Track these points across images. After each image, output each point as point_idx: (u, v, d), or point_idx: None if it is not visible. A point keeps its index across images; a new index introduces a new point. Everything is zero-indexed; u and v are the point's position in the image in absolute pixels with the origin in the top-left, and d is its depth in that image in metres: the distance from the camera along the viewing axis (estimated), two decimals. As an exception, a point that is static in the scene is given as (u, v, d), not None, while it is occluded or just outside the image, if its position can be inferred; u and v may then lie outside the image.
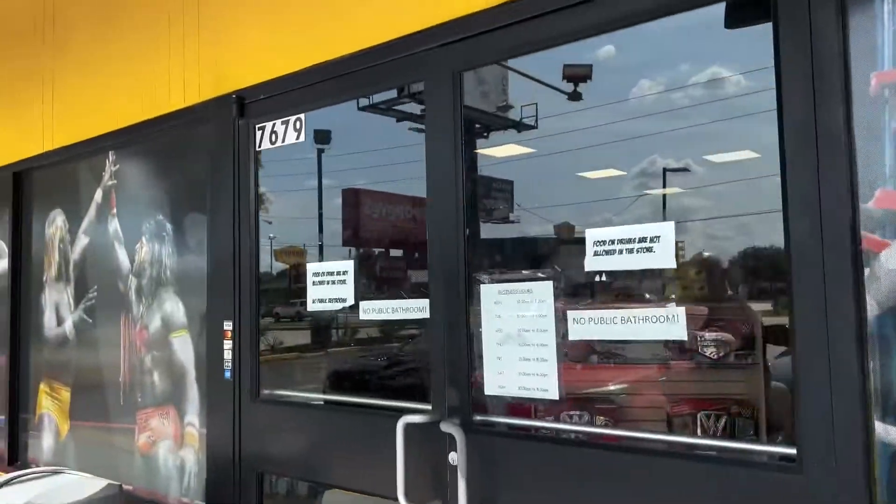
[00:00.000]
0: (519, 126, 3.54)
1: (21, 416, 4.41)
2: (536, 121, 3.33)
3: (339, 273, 2.63)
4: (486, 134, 3.38)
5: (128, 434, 3.62)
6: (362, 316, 2.56)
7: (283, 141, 2.87)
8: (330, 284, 2.66)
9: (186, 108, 3.26)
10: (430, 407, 2.32)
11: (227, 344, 3.01)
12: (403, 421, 2.24)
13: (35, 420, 4.29)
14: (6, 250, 4.60)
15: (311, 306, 2.75)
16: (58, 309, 4.16)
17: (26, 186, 4.50)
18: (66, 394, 4.06)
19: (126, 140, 3.68)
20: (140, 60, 3.55)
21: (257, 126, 2.97)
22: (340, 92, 2.71)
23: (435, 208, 2.32)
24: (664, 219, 2.35)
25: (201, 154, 3.27)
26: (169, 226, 3.45)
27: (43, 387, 4.24)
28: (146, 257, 3.56)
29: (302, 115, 2.81)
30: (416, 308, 2.39)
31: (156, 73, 3.44)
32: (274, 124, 2.90)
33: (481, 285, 2.19)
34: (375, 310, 2.52)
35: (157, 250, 3.50)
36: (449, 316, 2.25)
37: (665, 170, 2.54)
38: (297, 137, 2.82)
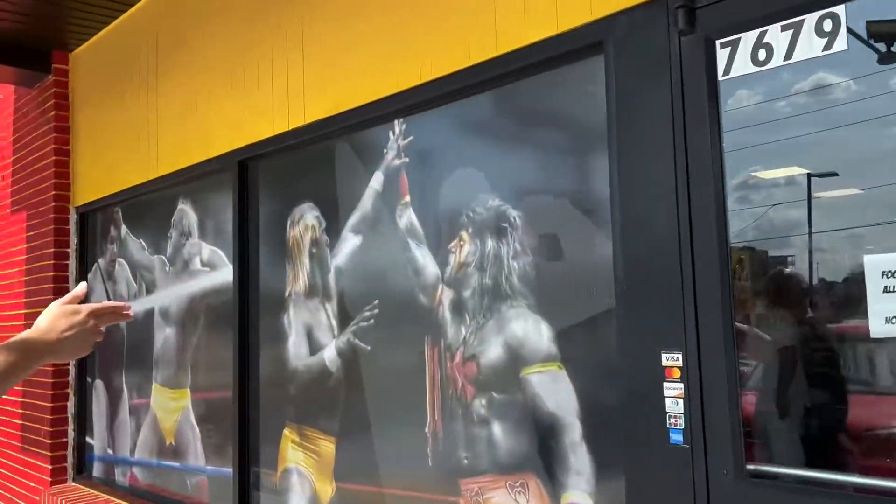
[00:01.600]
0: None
1: (253, 470, 3.47)
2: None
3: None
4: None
5: (444, 509, 2.57)
6: None
7: (789, 58, 1.76)
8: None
9: (562, 33, 2.21)
10: None
11: (673, 388, 1.90)
12: None
13: (276, 477, 3.32)
14: (227, 260, 3.70)
15: (880, 328, 1.60)
16: (310, 332, 3.18)
17: (254, 177, 3.59)
18: (327, 445, 3.06)
19: (428, 100, 2.67)
20: (454, -15, 2.54)
21: (720, 42, 1.88)
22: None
23: None
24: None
25: (582, 100, 2.21)
26: (514, 214, 2.40)
27: (289, 433, 3.27)
28: (471, 259, 2.52)
29: (839, 8, 1.69)
30: None
31: (490, -4, 2.41)
32: (762, 34, 1.80)
33: None
34: None
35: (493, 249, 2.45)
36: None
37: (810, 175, 1.75)
38: (827, 47, 1.70)
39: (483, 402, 2.45)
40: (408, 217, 2.77)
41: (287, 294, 3.32)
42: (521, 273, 2.36)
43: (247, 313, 3.54)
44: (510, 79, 2.39)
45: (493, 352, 2.43)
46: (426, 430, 2.64)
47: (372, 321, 2.88)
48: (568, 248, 2.26)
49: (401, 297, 2.77)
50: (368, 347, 2.89)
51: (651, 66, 1.98)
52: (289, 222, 3.34)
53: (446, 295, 2.61)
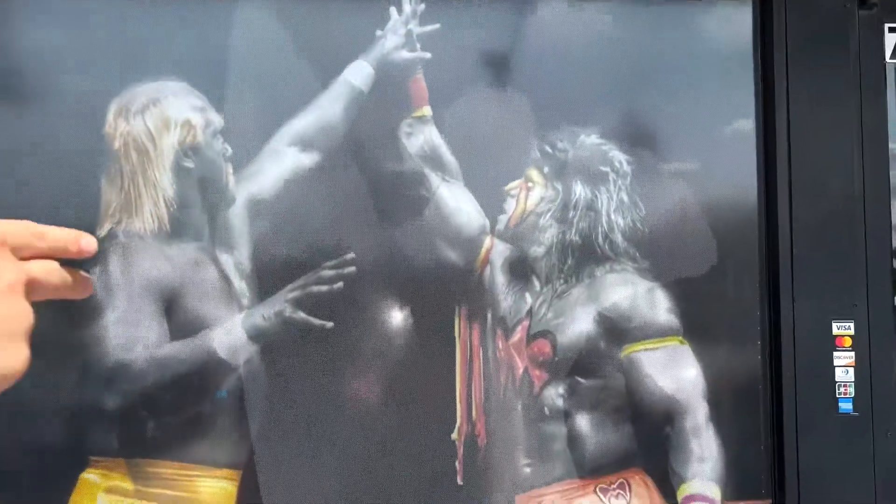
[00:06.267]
0: None
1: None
2: None
3: None
4: None
5: (486, 540, 1.88)
6: None
7: (949, 60, 1.98)
8: None
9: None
10: None
11: (844, 357, 1.89)
12: None
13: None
14: None
15: None
16: (173, 302, 1.87)
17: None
18: (213, 485, 1.85)
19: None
20: None
21: (889, 27, 1.97)
22: None
23: None
24: None
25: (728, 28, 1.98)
26: (621, 158, 1.95)
27: (96, 478, 1.84)
28: (545, 207, 1.94)
29: None
30: None
31: None
32: (928, 32, 1.98)
33: None
34: None
35: (583, 197, 1.95)
36: None
37: None
38: (979, 60, 1.99)
39: (561, 390, 1.92)
40: (426, 137, 1.94)
41: (105, 232, 1.87)
42: (628, 230, 1.95)
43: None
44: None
45: (578, 326, 1.93)
46: (453, 436, 1.90)
47: (340, 284, 1.89)
48: (695, 206, 1.98)
49: (404, 252, 1.92)
50: (330, 324, 1.89)
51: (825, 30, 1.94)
52: (112, 108, 1.90)
53: (499, 252, 1.94)
